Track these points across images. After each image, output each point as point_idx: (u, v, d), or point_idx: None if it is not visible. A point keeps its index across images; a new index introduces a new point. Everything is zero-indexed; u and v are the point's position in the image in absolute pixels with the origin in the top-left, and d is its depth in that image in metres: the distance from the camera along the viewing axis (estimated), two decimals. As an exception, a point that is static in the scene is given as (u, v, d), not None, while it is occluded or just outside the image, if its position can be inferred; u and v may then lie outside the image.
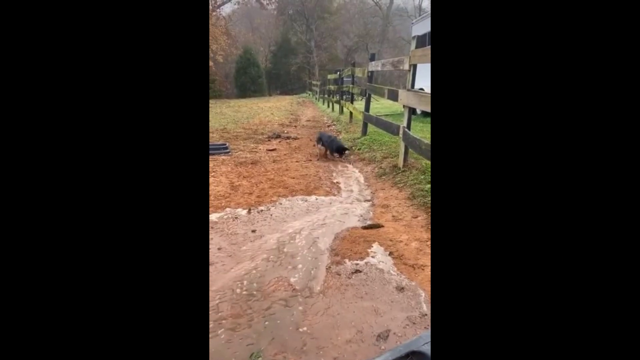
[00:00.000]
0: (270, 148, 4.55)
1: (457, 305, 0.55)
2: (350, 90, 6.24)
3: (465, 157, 0.56)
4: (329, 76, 11.40)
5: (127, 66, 0.59)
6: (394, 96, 3.38)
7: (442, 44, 0.59)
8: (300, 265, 1.68)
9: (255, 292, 1.47)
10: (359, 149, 4.24)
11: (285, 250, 1.85)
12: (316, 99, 16.70)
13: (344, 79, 8.06)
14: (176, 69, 0.62)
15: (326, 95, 11.58)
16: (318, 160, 4.01)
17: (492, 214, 0.54)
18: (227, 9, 20.47)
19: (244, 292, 1.47)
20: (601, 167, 0.51)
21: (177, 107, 0.62)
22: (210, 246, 1.88)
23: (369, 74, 4.40)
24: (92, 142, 0.57)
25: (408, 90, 2.81)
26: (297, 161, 3.92)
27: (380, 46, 28.99)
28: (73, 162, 0.56)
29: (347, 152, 3.92)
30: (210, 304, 1.38)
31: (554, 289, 0.51)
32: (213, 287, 1.50)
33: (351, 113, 6.45)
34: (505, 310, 0.52)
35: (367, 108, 4.62)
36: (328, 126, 6.92)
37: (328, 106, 11.38)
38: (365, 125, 4.71)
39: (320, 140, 4.17)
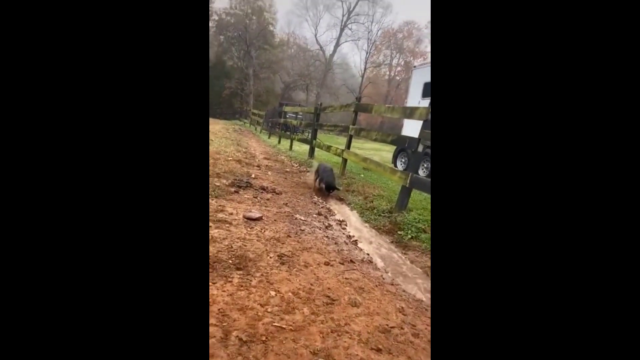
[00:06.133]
0: (252, 216, 2.38)
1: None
2: (350, 132, 4.49)
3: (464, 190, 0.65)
4: (287, 108, 9.57)
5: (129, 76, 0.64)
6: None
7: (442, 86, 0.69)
8: None
9: None
10: (414, 237, 2.42)
11: None
12: (256, 129, 14.57)
13: (319, 114, 6.36)
14: (177, 78, 0.67)
15: (283, 130, 9.56)
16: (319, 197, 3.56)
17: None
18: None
19: None
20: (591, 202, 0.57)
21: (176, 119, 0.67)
22: None
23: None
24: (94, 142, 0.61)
25: None
26: (326, 262, 1.87)
27: (319, 89, 28.79)
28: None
29: (334, 191, 3.59)
30: None
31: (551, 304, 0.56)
32: None
33: (345, 161, 4.67)
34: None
35: (415, 169, 2.85)
36: (302, 172, 4.98)
37: (279, 142, 9.44)
38: (407, 194, 2.90)
39: (317, 172, 3.93)
